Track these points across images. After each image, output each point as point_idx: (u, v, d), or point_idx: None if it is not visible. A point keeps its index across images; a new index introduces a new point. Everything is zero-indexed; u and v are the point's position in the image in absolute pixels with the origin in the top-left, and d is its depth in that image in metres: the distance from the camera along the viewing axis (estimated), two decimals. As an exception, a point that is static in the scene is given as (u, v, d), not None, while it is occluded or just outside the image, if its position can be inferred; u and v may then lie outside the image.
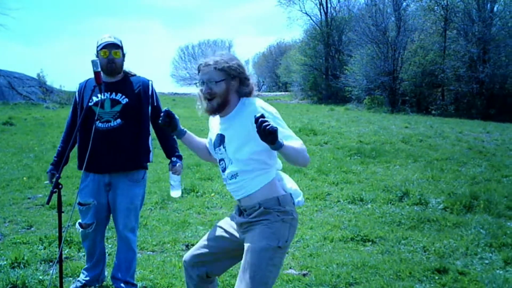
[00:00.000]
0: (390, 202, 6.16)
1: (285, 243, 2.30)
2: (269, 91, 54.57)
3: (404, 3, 27.40)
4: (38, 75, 25.21)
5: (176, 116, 2.48)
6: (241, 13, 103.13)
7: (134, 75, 3.44)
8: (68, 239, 4.39)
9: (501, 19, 24.65)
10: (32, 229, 5.07)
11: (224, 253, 2.50)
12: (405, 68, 26.74)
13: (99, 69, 3.10)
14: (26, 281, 3.55)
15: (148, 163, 3.47)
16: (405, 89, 26.88)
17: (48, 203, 2.92)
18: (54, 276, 3.50)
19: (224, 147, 2.39)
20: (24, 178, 7.47)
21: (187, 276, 2.57)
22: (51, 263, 4.03)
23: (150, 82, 3.44)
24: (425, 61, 26.06)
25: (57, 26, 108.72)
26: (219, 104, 2.34)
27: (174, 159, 3.38)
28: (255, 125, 2.05)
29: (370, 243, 4.68)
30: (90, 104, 3.26)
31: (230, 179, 2.40)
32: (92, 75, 3.21)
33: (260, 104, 2.31)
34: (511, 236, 4.69)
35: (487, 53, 24.14)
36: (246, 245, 2.30)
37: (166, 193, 6.56)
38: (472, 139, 12.79)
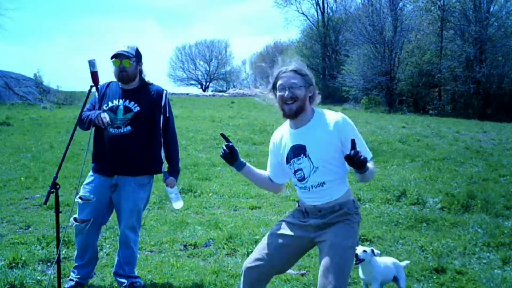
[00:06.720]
0: (388, 202, 6.17)
1: (356, 243, 2.46)
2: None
3: (401, 3, 27.47)
4: (35, 75, 25.05)
5: (236, 148, 2.47)
6: (237, 13, 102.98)
7: (151, 84, 3.51)
8: (66, 239, 4.37)
9: (497, 19, 24.71)
10: (30, 229, 5.06)
11: (289, 258, 2.53)
12: (402, 68, 26.81)
13: (96, 69, 3.19)
14: (24, 281, 3.54)
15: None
16: (402, 89, 26.94)
17: (45, 203, 2.92)
18: (52, 276, 3.49)
19: (306, 156, 2.38)
20: (22, 178, 7.45)
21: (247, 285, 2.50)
22: (49, 263, 4.02)
23: (164, 92, 3.50)
24: (422, 61, 26.12)
25: (53, 26, 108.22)
26: (297, 108, 2.37)
27: (164, 173, 3.51)
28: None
29: (368, 242, 4.68)
30: (105, 108, 3.38)
31: (315, 187, 2.41)
32: (112, 78, 3.46)
33: (339, 116, 2.38)
34: (509, 236, 4.71)
35: (484, 53, 24.21)
36: (327, 241, 2.35)
37: (163, 193, 6.55)
38: (469, 139, 12.82)
